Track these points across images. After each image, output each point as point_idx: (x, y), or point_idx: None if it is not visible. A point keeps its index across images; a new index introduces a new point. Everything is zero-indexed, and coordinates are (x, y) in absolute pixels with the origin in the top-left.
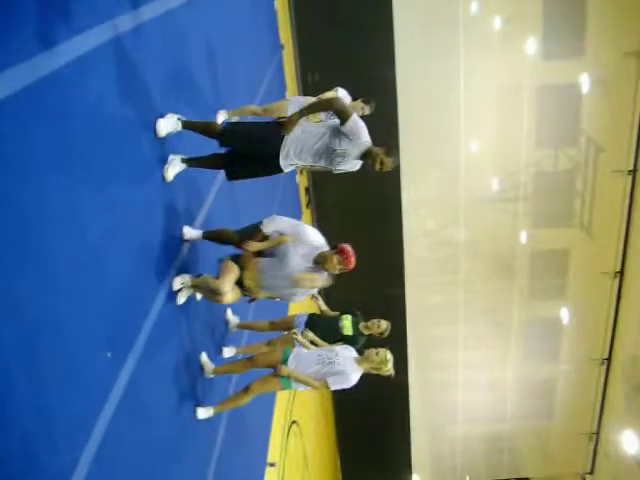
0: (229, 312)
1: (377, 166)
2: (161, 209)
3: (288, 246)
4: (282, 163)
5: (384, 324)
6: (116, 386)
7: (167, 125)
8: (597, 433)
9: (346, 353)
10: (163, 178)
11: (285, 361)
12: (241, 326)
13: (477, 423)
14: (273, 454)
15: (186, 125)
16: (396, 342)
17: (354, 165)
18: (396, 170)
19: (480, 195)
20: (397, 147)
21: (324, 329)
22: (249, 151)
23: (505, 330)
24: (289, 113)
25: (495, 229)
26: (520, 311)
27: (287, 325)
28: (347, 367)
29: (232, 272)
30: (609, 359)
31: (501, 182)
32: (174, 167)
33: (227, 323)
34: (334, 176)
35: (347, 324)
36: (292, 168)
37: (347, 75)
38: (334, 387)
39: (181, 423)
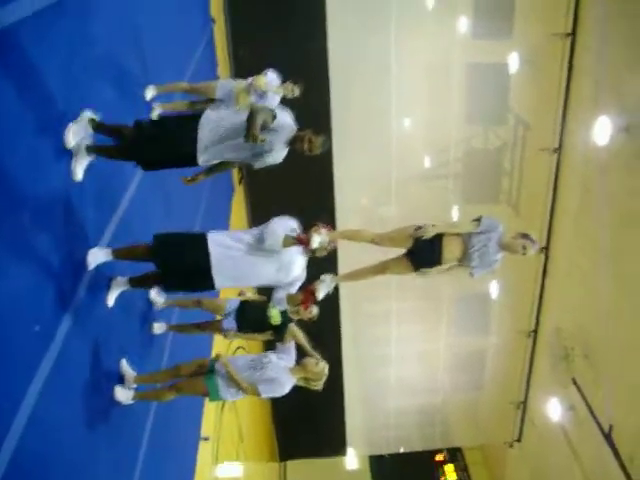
0: (153, 292)
1: (306, 147)
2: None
3: None
4: (200, 158)
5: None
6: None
7: (77, 131)
8: (524, 402)
9: (280, 362)
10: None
11: (212, 369)
12: (168, 304)
13: (410, 396)
14: (207, 429)
15: (98, 127)
16: (330, 316)
17: (279, 156)
18: (328, 147)
19: (411, 172)
20: (329, 124)
21: (254, 318)
22: (163, 149)
23: (436, 305)
24: (217, 95)
25: (426, 206)
26: (450, 286)
27: (217, 310)
28: (280, 375)
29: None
30: (535, 331)
31: (431, 160)
32: (81, 161)
33: (153, 303)
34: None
35: (275, 313)
36: (210, 163)
37: (279, 50)
38: (265, 395)
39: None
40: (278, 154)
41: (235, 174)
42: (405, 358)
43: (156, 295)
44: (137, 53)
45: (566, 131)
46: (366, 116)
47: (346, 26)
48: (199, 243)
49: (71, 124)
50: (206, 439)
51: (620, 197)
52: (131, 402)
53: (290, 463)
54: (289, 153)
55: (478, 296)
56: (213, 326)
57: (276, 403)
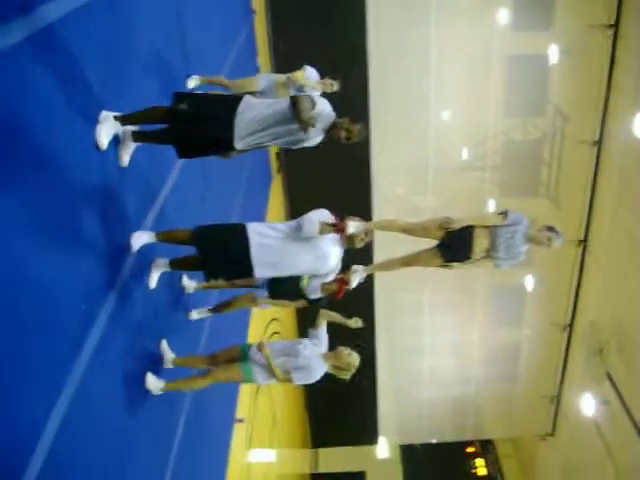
0: (185, 278)
1: (344, 135)
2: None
3: None
4: (237, 145)
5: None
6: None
7: (107, 131)
8: (558, 396)
9: (314, 349)
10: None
11: (246, 354)
12: (200, 288)
13: (442, 387)
14: (242, 411)
15: (126, 119)
16: (364, 307)
17: (315, 142)
18: (366, 138)
19: (449, 164)
20: (367, 115)
21: (285, 288)
22: (201, 131)
23: (471, 296)
24: (258, 88)
25: (463, 197)
26: (486, 277)
27: (248, 282)
28: (312, 362)
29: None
30: (571, 325)
31: (469, 151)
32: (126, 148)
33: (184, 289)
34: None
35: (307, 283)
36: (248, 148)
37: (319, 43)
38: (298, 382)
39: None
40: (315, 140)
41: (273, 162)
42: (438, 349)
43: (187, 280)
44: (179, 43)
45: (606, 124)
46: (404, 107)
47: (386, 19)
48: (239, 233)
49: (99, 126)
50: (241, 420)
51: None
52: (159, 393)
53: (322, 451)
54: (328, 145)
55: (513, 288)
56: (246, 298)
57: (309, 391)
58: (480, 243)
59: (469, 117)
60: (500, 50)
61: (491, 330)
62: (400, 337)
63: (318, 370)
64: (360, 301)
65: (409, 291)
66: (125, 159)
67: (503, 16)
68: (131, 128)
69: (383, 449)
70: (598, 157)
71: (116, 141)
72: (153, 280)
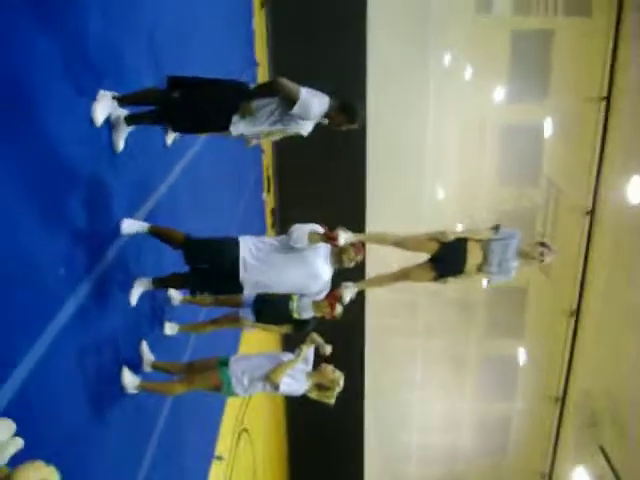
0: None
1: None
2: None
3: None
4: (232, 129)
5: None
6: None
7: (103, 109)
8: (550, 472)
9: (299, 365)
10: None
11: (225, 362)
12: (186, 301)
13: (432, 463)
14: (222, 450)
15: (123, 99)
16: (352, 367)
17: (308, 129)
18: (362, 211)
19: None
20: (364, 189)
21: (273, 310)
22: (194, 117)
23: (461, 366)
24: None
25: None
26: (477, 348)
27: (233, 301)
28: (297, 374)
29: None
30: (563, 397)
31: (462, 220)
32: (120, 132)
33: (169, 299)
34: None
35: (297, 306)
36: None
37: None
38: (283, 388)
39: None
40: (307, 126)
41: (268, 218)
42: (428, 423)
43: (174, 291)
44: None
45: (599, 193)
46: (399, 177)
47: (385, 92)
48: (230, 246)
49: (95, 103)
50: (220, 458)
51: None
52: (135, 391)
53: None
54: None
55: (504, 358)
56: (230, 319)
57: (294, 444)
58: (474, 256)
59: (463, 187)
60: (495, 120)
61: (481, 403)
62: (390, 409)
63: (301, 385)
64: (350, 356)
65: (399, 366)
66: (120, 144)
67: (498, 88)
68: (124, 112)
69: None
70: (591, 226)
71: (109, 125)
72: (134, 297)
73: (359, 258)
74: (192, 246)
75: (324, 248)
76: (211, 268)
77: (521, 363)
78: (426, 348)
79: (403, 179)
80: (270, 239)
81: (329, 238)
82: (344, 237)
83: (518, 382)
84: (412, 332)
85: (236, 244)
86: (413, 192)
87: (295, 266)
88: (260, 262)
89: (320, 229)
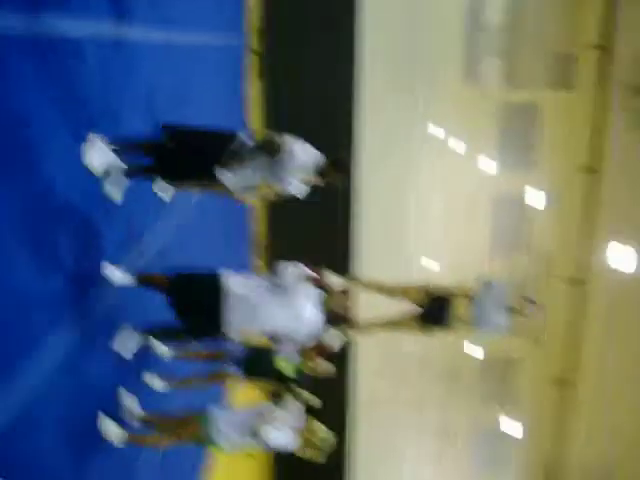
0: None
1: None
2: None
3: None
4: (222, 179)
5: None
6: None
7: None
8: None
9: (286, 417)
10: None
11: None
12: (172, 354)
13: None
14: None
15: (117, 150)
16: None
17: (300, 189)
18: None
19: None
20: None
21: (261, 366)
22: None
23: (452, 439)
24: None
25: (446, 340)
26: (467, 420)
27: (219, 354)
28: (285, 428)
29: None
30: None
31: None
32: (119, 184)
33: (160, 354)
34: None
35: (284, 364)
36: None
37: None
38: (268, 435)
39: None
40: (299, 185)
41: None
42: None
43: (161, 344)
44: None
45: (589, 262)
46: (386, 250)
47: (373, 163)
48: (213, 284)
49: (88, 150)
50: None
51: None
52: (122, 445)
53: None
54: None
55: (496, 430)
56: (217, 374)
57: None
58: (460, 313)
59: (452, 258)
60: (484, 193)
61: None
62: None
63: (289, 439)
64: (334, 416)
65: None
66: (118, 195)
67: (488, 159)
68: (123, 165)
69: None
70: (583, 295)
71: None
72: (124, 347)
73: (345, 307)
74: (173, 290)
75: (314, 291)
76: (194, 308)
77: (512, 435)
78: (416, 420)
79: (390, 254)
80: (256, 277)
81: (315, 278)
82: (330, 278)
83: (510, 454)
84: (402, 403)
85: (219, 282)
86: (401, 266)
87: (281, 306)
88: (246, 301)
89: (307, 270)
